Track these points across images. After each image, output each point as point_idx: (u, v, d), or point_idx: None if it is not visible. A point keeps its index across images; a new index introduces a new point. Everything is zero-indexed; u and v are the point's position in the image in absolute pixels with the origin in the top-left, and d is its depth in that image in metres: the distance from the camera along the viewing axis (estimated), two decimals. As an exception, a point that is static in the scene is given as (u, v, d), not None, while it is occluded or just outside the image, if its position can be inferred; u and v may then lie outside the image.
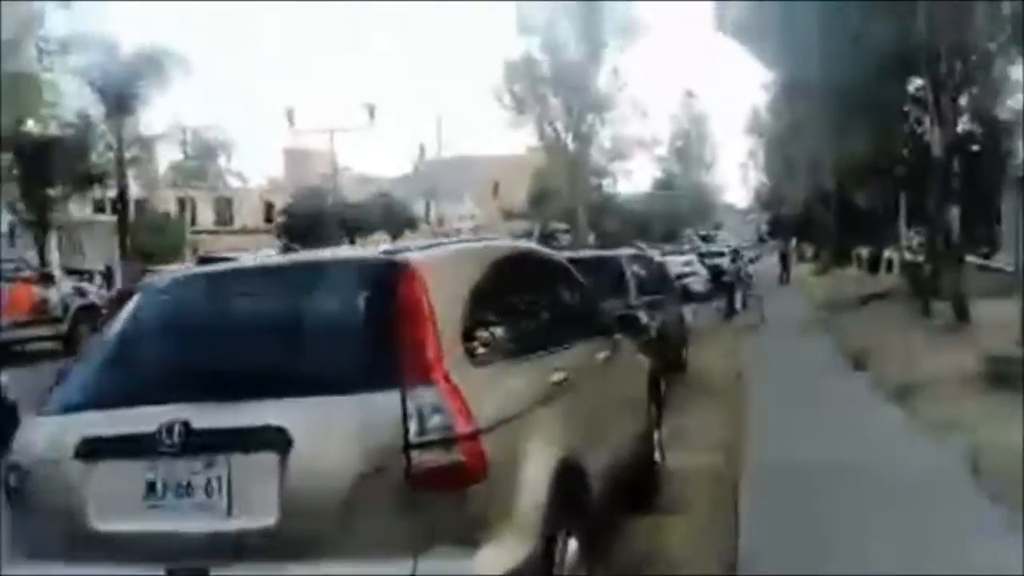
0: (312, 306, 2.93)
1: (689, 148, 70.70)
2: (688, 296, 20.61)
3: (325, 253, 4.03)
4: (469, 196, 63.31)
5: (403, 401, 2.53)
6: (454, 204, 60.89)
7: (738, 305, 15.16)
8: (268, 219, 48.48)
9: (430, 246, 3.47)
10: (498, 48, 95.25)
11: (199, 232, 44.98)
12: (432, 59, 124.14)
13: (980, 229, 24.49)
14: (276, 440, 2.52)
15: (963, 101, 18.81)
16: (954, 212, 14.71)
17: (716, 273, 26.66)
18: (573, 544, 3.02)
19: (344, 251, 3.94)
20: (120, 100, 22.68)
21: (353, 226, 43.69)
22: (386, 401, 2.53)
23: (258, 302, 3.02)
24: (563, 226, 49.60)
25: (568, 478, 3.09)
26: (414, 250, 3.15)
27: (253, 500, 2.54)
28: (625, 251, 9.47)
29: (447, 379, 2.61)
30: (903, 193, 23.05)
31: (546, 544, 2.79)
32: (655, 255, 26.13)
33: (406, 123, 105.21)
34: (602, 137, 46.37)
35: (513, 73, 44.01)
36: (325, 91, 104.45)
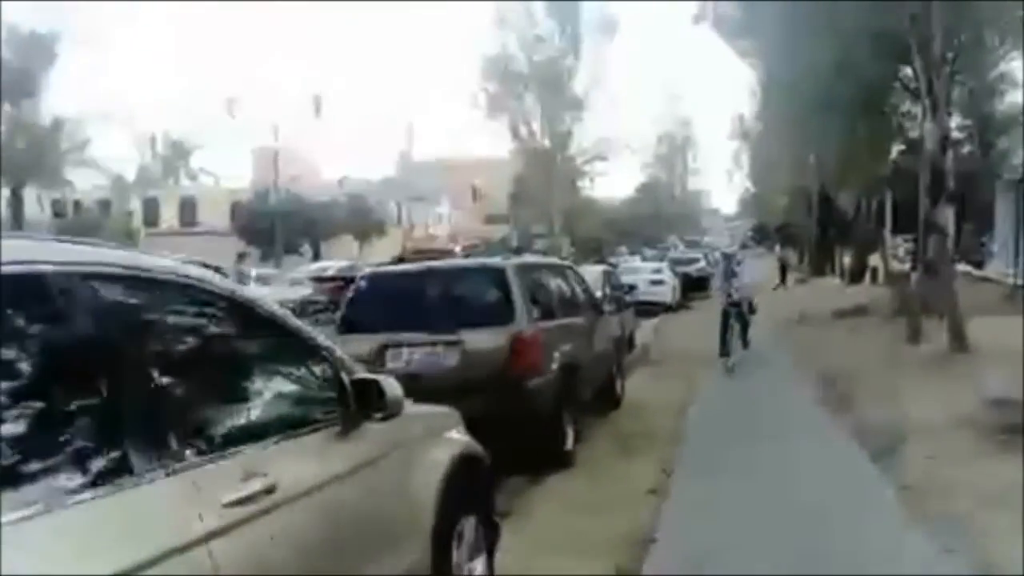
0: None
1: (673, 152, 69.26)
2: (653, 307, 18.99)
3: None
4: (448, 199, 61.22)
5: None
6: (433, 208, 58.78)
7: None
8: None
9: None
10: (475, 47, 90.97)
11: (158, 234, 42.73)
12: (412, 60, 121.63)
13: (971, 235, 22.61)
14: None
15: (955, 97, 17.01)
16: (949, 214, 12.70)
17: (688, 281, 24.99)
18: None
19: None
20: (13, 85, 20.38)
21: (318, 228, 41.64)
22: None
23: None
24: (543, 230, 47.67)
25: None
26: None
27: None
28: (520, 259, 6.95)
29: None
30: (890, 194, 21.20)
31: None
32: (617, 263, 24.48)
33: (387, 125, 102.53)
34: (580, 138, 44.20)
35: (491, 69, 41.97)
36: (298, 88, 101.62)
